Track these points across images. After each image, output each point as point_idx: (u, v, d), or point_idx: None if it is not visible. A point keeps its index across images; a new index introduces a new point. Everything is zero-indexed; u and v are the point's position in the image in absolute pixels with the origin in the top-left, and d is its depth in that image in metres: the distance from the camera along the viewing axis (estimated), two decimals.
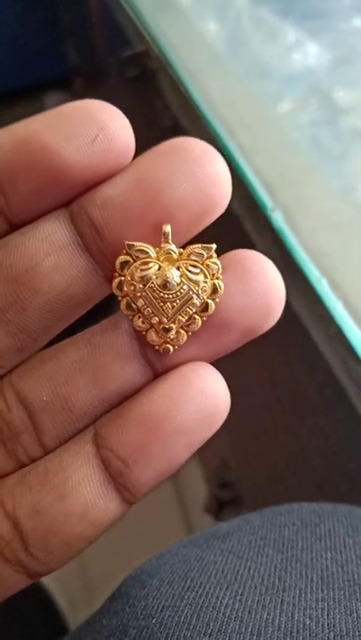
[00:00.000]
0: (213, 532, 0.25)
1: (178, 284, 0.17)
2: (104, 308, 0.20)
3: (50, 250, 0.17)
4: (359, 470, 0.37)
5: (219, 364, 0.18)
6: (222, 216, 0.17)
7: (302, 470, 0.47)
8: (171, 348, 0.18)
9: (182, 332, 0.18)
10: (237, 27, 0.58)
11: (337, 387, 0.34)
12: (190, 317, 0.18)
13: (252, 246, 0.38)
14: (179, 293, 0.17)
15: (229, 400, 0.18)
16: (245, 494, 0.65)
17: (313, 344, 0.35)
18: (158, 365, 0.18)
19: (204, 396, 0.17)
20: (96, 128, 0.16)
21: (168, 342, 0.18)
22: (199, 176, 0.16)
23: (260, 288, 0.17)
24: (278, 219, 0.36)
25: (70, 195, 0.17)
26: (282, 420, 0.49)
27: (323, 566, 0.22)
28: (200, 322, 0.18)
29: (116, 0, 0.66)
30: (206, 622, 0.20)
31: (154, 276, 0.17)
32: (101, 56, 0.91)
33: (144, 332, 0.18)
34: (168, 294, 0.17)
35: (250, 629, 0.19)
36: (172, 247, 0.17)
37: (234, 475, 0.67)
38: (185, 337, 0.18)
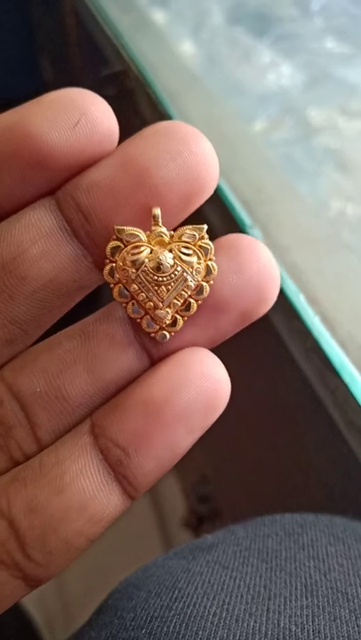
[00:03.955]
0: (198, 544, 0.25)
1: (171, 266, 0.17)
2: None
3: (36, 236, 0.17)
4: (337, 480, 0.38)
5: None
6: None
7: (281, 482, 0.48)
8: (167, 335, 0.17)
9: (178, 317, 0.17)
10: (213, 47, 0.59)
11: (314, 398, 0.34)
12: (185, 301, 0.17)
13: None
14: (173, 276, 0.17)
15: (230, 385, 0.17)
16: (224, 508, 0.65)
17: (290, 357, 0.36)
18: (155, 353, 0.18)
19: (204, 380, 0.17)
20: (78, 113, 0.16)
21: (164, 329, 0.17)
22: (185, 155, 0.16)
23: (254, 268, 0.17)
24: (257, 236, 0.37)
25: (55, 181, 0.17)
26: (260, 432, 0.49)
27: (306, 575, 0.22)
28: (195, 306, 0.17)
29: (94, 18, 0.66)
30: (195, 631, 0.20)
31: (146, 260, 0.17)
32: (78, 73, 0.91)
33: (139, 320, 0.17)
34: (162, 277, 0.17)
35: (238, 637, 0.20)
36: (163, 230, 0.17)
37: (213, 488, 0.67)
38: (181, 322, 0.17)
